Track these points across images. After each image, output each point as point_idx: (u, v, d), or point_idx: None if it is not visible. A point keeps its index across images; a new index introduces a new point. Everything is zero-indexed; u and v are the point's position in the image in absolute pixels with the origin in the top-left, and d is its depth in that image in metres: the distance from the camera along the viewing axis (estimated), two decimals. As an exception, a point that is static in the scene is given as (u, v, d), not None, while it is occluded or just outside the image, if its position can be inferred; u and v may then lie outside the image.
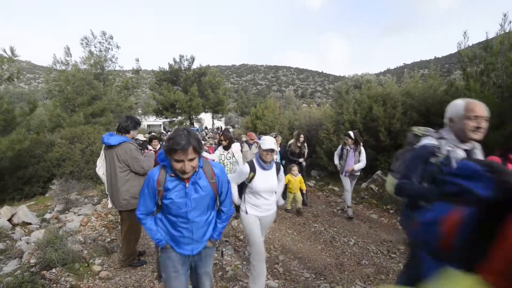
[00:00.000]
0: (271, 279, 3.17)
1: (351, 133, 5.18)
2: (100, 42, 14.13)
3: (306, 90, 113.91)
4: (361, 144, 5.20)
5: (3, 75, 8.39)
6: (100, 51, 14.17)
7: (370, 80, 16.43)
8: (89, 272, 3.27)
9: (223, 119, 40.14)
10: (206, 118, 36.18)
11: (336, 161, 5.42)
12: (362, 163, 5.12)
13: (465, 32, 5.64)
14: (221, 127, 36.93)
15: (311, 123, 12.19)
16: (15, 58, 8.63)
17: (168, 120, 31.80)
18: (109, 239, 4.25)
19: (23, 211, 5.38)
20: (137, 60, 15.75)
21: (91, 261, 3.50)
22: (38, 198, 8.78)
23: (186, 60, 28.88)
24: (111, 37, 14.37)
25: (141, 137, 7.04)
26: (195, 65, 29.31)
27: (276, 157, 4.93)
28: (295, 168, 5.51)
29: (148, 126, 38.30)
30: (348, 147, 5.20)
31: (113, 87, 14.51)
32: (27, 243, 4.08)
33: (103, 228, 4.68)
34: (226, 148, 4.94)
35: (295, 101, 42.45)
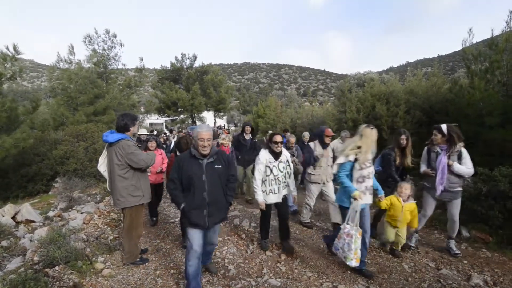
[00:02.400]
0: (273, 278, 3.16)
1: (443, 126, 3.41)
2: (103, 41, 14.14)
3: (308, 88, 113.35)
4: (461, 143, 3.40)
5: (5, 73, 8.38)
6: (104, 49, 14.18)
7: (373, 78, 16.33)
8: (92, 270, 3.28)
9: (225, 117, 40.14)
10: (208, 117, 36.16)
11: (423, 167, 3.65)
12: (466, 169, 3.35)
13: (470, 29, 5.58)
14: (225, 125, 36.90)
15: (313, 121, 12.17)
16: (18, 56, 8.62)
17: (170, 118, 31.85)
18: (111, 237, 4.27)
19: (27, 209, 5.41)
20: (141, 59, 15.75)
21: (94, 259, 3.52)
22: (42, 196, 8.83)
23: (188, 58, 28.83)
24: (115, 35, 14.36)
25: (142, 131, 6.90)
26: (197, 64, 29.27)
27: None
28: (407, 186, 3.42)
29: (151, 124, 38.39)
30: (438, 149, 3.47)
31: (115, 86, 14.52)
32: (31, 240, 4.11)
33: (105, 226, 4.70)
34: (278, 155, 3.61)
35: (297, 99, 42.33)
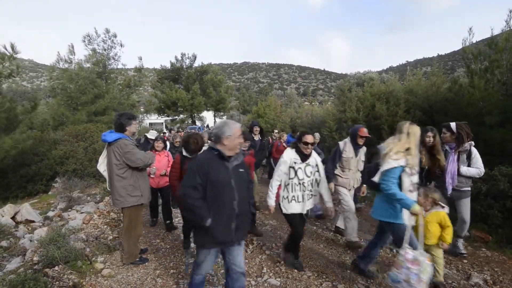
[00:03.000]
0: (273, 277, 3.16)
1: (451, 124, 3.32)
2: (103, 40, 14.11)
3: (308, 88, 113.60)
4: (471, 141, 3.32)
5: (4, 72, 8.36)
6: (104, 49, 14.16)
7: (373, 78, 16.35)
8: (91, 270, 3.28)
9: (225, 117, 40.15)
10: (208, 116, 36.19)
11: None
12: (474, 170, 3.29)
13: (470, 29, 5.59)
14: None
15: (313, 121, 12.18)
16: (17, 55, 8.61)
17: (170, 118, 31.86)
18: (111, 237, 4.26)
19: (26, 209, 5.41)
20: (140, 58, 15.73)
21: (93, 258, 3.51)
22: (41, 196, 8.83)
23: (188, 58, 28.87)
24: (115, 35, 14.33)
25: (153, 134, 6.20)
26: (196, 63, 29.31)
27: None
28: (424, 192, 2.85)
29: (150, 124, 38.38)
30: (446, 147, 3.39)
31: (115, 86, 14.50)
32: (30, 240, 4.11)
33: (105, 226, 4.70)
34: (306, 156, 3.06)
35: (297, 99, 42.30)
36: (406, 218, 2.50)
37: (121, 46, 14.53)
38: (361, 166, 3.92)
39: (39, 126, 11.46)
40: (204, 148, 3.38)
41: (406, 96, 7.50)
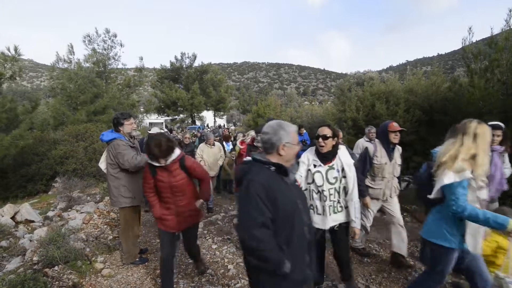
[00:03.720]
0: (272, 277, 3.15)
1: (501, 124, 2.89)
2: (103, 40, 14.14)
3: (308, 87, 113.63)
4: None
5: (5, 73, 8.42)
6: (104, 49, 14.17)
7: (373, 77, 16.39)
8: (91, 270, 3.28)
9: (225, 117, 40.18)
10: (208, 116, 36.21)
11: None
12: (509, 171, 3.07)
13: (470, 28, 5.58)
14: (224, 125, 36.90)
15: (313, 120, 12.18)
16: (18, 57, 8.67)
17: (170, 118, 31.87)
18: (111, 237, 4.27)
19: (26, 209, 5.40)
20: (141, 58, 15.75)
21: (93, 258, 3.52)
22: (41, 196, 8.82)
23: (188, 58, 28.90)
24: (115, 35, 14.36)
25: (155, 130, 6.02)
26: (196, 63, 29.33)
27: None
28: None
29: (150, 124, 38.39)
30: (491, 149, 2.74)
31: (114, 85, 14.52)
32: (30, 240, 4.10)
33: (105, 226, 4.70)
34: (327, 156, 2.42)
35: (297, 98, 42.33)
36: (471, 245, 1.91)
37: (121, 46, 14.58)
38: (397, 171, 3.24)
39: (39, 126, 11.48)
40: (178, 152, 2.64)
41: (406, 96, 7.49)
